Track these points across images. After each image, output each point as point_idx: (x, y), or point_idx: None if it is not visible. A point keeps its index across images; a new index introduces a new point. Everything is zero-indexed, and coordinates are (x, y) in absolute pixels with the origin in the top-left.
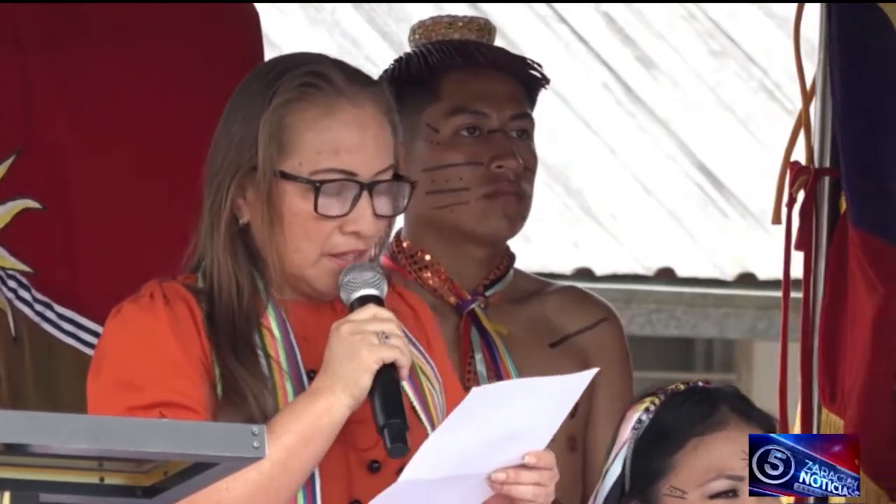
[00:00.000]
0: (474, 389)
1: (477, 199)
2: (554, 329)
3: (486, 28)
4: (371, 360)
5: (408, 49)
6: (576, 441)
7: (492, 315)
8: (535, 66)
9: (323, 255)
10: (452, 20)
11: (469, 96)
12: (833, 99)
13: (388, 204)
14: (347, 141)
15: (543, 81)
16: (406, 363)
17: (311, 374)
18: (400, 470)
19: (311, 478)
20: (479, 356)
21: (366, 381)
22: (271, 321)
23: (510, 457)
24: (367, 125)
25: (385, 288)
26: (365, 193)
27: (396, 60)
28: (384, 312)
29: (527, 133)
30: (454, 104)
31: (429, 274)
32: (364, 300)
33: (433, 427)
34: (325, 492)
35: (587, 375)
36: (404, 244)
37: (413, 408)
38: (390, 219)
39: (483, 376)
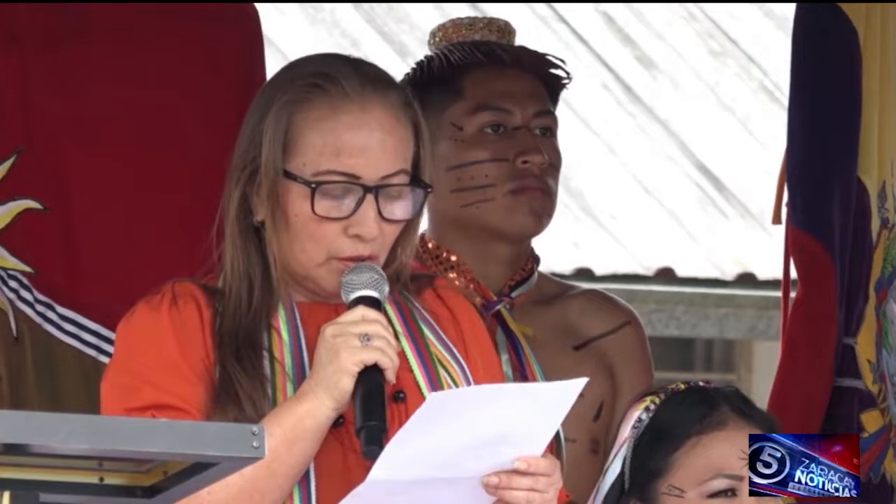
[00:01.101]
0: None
1: (503, 196)
2: (577, 332)
3: (507, 29)
4: (350, 363)
5: (408, 48)
6: (598, 444)
7: (516, 317)
8: (558, 62)
9: (331, 257)
10: (472, 21)
11: (492, 94)
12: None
13: (399, 208)
14: (350, 143)
15: (565, 80)
16: (389, 365)
17: None
18: None
19: (307, 479)
20: (504, 357)
21: (346, 383)
22: (281, 323)
23: (502, 461)
24: (373, 128)
25: (385, 289)
26: (369, 197)
27: (418, 63)
28: (372, 314)
29: (550, 131)
30: (478, 102)
31: (454, 274)
32: (359, 301)
33: None
34: (324, 493)
35: (577, 384)
36: (429, 244)
37: None
38: (403, 223)
39: (509, 377)
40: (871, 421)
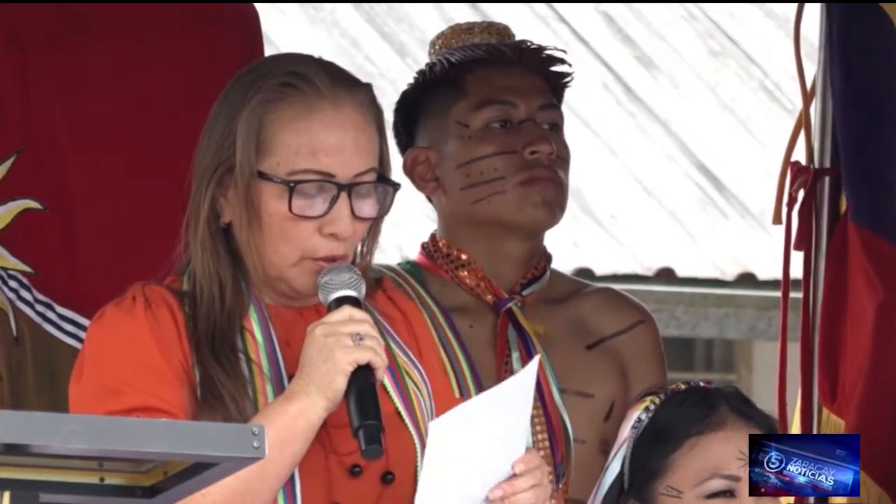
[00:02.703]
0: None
1: (514, 187)
2: (590, 331)
3: (506, 32)
4: (345, 362)
5: (408, 48)
6: (609, 444)
7: (528, 315)
8: (560, 55)
9: (304, 257)
10: (471, 26)
11: (496, 88)
12: (834, 98)
13: (369, 206)
14: (325, 142)
15: (568, 78)
16: (381, 364)
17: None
18: (382, 474)
19: (292, 480)
20: (515, 355)
21: (340, 382)
22: (254, 324)
23: (499, 469)
24: (346, 127)
25: (363, 289)
26: (343, 195)
27: (420, 71)
28: (359, 314)
29: (557, 126)
30: (482, 97)
31: (466, 273)
32: (340, 301)
33: (417, 431)
34: (306, 495)
35: (532, 366)
36: (440, 243)
37: (397, 411)
38: (372, 221)
39: None
40: None
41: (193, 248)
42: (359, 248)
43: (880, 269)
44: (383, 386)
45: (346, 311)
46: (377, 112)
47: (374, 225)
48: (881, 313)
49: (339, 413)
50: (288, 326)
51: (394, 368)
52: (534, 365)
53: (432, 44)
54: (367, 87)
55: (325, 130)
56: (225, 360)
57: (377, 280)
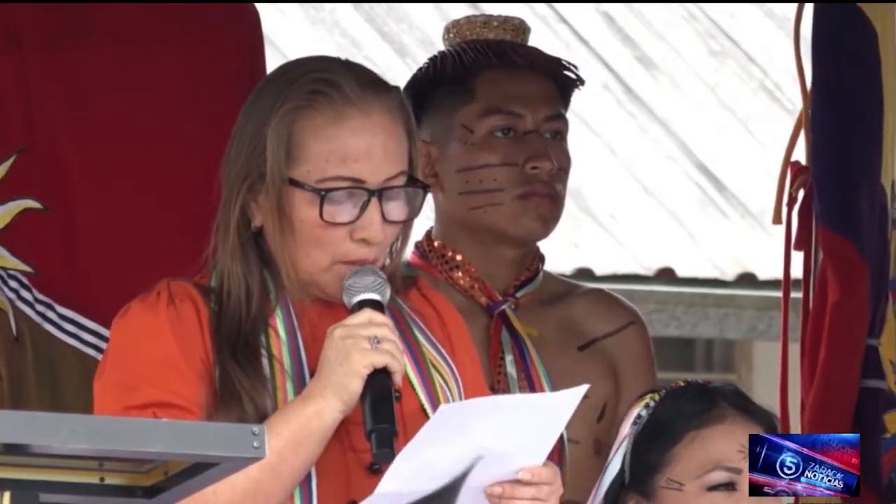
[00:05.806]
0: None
1: (511, 200)
2: (581, 332)
3: (522, 28)
4: (361, 365)
5: (408, 48)
6: (602, 444)
7: (521, 316)
8: (570, 66)
9: (335, 262)
10: (487, 19)
11: (504, 97)
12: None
13: (399, 209)
14: (355, 149)
15: (578, 82)
16: (398, 368)
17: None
18: None
19: (308, 478)
20: (509, 358)
21: (356, 385)
22: (278, 322)
23: (504, 472)
24: (375, 133)
25: (387, 293)
26: (373, 200)
27: (431, 59)
28: (379, 317)
29: (560, 134)
30: (489, 105)
31: (460, 274)
32: (363, 305)
33: None
34: (323, 491)
35: (578, 392)
36: (435, 243)
37: (422, 407)
38: (403, 224)
39: (513, 378)
40: (893, 422)
41: (223, 252)
42: (393, 252)
43: (840, 270)
44: (409, 382)
45: (367, 314)
46: (406, 114)
47: (406, 227)
48: (835, 312)
49: (358, 410)
50: (317, 322)
51: (420, 363)
52: (581, 390)
53: (447, 30)
54: (396, 90)
55: (354, 137)
56: (245, 363)
57: (412, 279)
